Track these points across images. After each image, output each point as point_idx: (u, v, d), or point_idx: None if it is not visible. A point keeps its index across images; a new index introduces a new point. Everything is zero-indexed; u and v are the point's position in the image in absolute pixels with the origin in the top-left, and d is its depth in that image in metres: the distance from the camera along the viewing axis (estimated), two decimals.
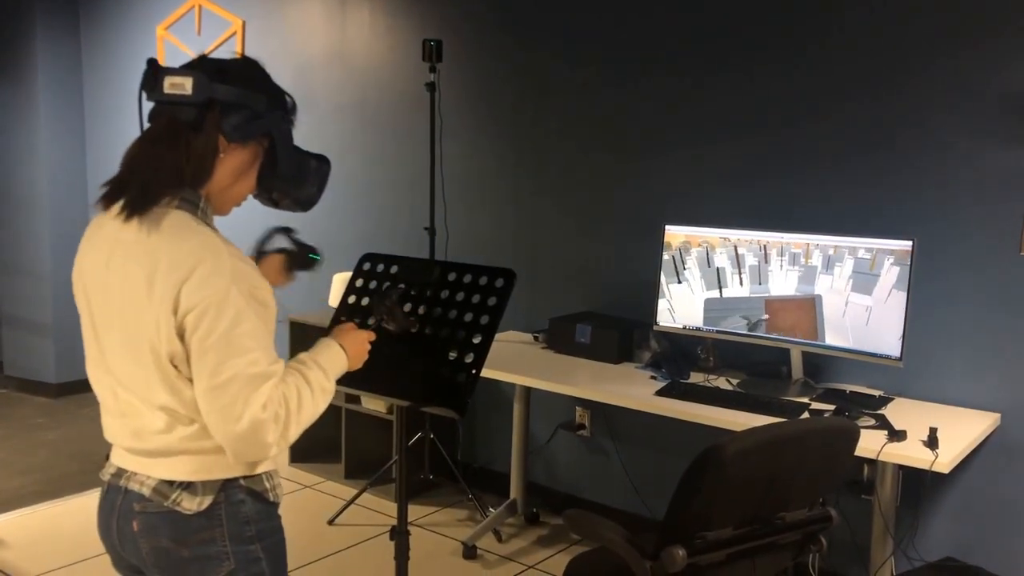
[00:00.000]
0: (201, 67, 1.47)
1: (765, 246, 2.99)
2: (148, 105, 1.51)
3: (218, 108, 1.46)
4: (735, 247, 3.06)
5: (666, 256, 3.21)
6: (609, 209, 3.67)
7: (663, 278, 3.21)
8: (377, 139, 4.43)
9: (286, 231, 1.96)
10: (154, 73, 1.46)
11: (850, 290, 2.81)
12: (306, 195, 1.65)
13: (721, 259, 3.09)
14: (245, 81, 1.51)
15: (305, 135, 4.65)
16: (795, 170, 3.18)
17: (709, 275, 3.12)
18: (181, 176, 1.46)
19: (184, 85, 1.44)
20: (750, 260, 3.03)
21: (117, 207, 1.46)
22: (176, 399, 1.45)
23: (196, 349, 1.39)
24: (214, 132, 1.47)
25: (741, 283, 3.05)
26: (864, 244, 2.80)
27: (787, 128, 3.19)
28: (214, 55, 1.55)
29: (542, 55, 3.80)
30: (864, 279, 2.79)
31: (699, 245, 3.13)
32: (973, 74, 2.81)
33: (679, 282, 3.18)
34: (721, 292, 3.09)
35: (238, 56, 1.57)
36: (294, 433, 1.48)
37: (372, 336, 1.77)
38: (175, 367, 1.43)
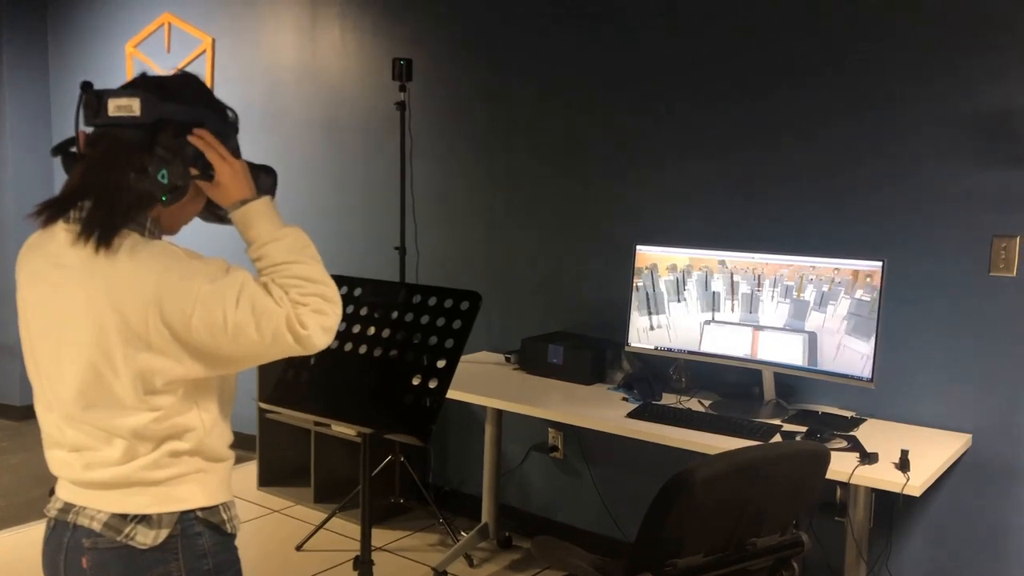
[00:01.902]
0: (146, 87, 1.43)
1: (732, 273, 2.98)
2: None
3: (169, 129, 1.42)
4: (707, 274, 3.04)
5: (640, 282, 3.19)
6: (581, 228, 3.65)
7: (635, 299, 3.20)
8: (347, 157, 4.40)
9: None
10: (96, 96, 1.40)
11: (844, 332, 2.80)
12: None
13: (693, 283, 3.08)
14: (192, 98, 1.46)
15: (274, 152, 4.62)
16: (766, 192, 3.18)
17: (695, 299, 3.11)
18: (140, 201, 1.42)
19: (132, 107, 1.39)
20: (716, 286, 3.01)
21: (70, 234, 1.40)
22: (147, 416, 1.40)
23: (220, 336, 1.38)
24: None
25: (701, 309, 3.03)
26: (833, 264, 2.79)
27: (758, 151, 3.19)
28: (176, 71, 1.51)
29: (513, 74, 3.79)
30: (859, 321, 2.78)
31: (667, 272, 3.12)
32: (943, 97, 2.82)
33: (649, 309, 3.16)
34: (661, 315, 3.07)
35: (176, 72, 1.52)
36: (323, 287, 1.47)
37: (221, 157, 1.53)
38: (154, 384, 1.39)
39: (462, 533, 3.74)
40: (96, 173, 1.41)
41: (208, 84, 4.81)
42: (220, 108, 1.53)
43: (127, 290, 1.36)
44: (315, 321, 1.43)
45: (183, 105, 1.44)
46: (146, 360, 1.37)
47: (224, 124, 1.50)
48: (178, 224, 1.55)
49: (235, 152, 1.53)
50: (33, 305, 1.47)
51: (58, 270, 1.42)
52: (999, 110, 2.73)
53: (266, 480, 4.32)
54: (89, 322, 1.38)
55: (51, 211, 1.43)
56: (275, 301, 1.41)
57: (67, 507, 1.49)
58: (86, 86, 1.42)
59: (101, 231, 1.37)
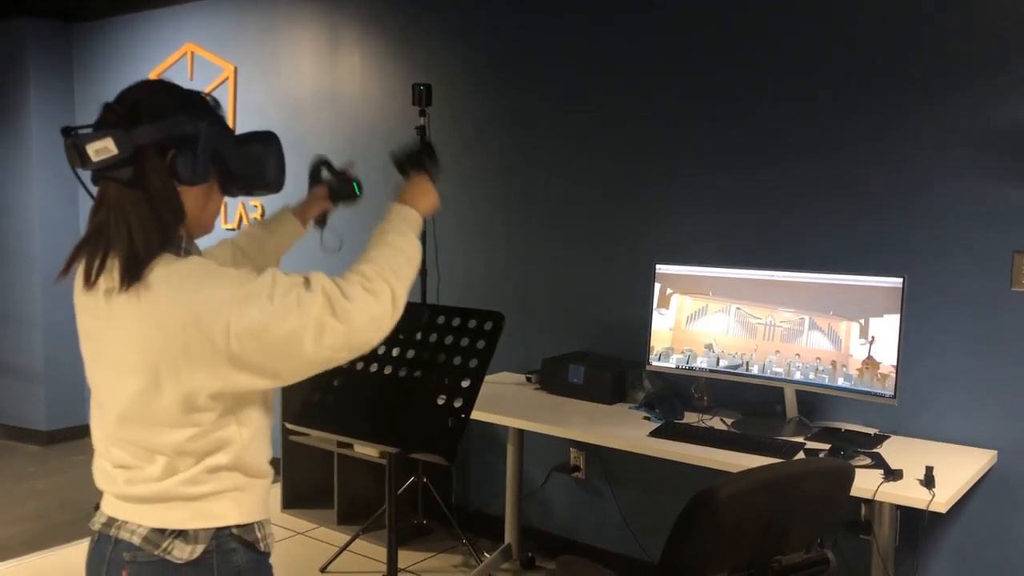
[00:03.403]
0: (114, 120, 1.42)
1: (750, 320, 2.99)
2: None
3: (152, 150, 1.42)
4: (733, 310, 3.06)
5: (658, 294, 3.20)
6: (601, 248, 3.67)
7: (654, 316, 3.21)
8: (368, 182, 4.43)
9: (326, 164, 2.03)
10: (74, 145, 1.41)
11: (866, 349, 2.81)
12: (270, 181, 1.62)
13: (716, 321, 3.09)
14: (159, 110, 1.44)
15: (296, 178, 4.66)
16: (786, 210, 3.19)
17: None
18: (165, 229, 1.45)
19: (107, 147, 1.39)
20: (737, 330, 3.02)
21: (103, 281, 1.43)
22: (188, 432, 1.43)
23: (262, 335, 1.38)
24: (163, 174, 1.44)
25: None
26: (855, 282, 2.79)
27: (777, 169, 3.20)
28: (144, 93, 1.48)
29: (531, 97, 3.83)
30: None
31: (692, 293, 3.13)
32: (962, 113, 2.83)
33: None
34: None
35: (137, 84, 1.50)
36: (393, 281, 1.53)
37: (427, 180, 1.80)
38: (197, 401, 1.41)
39: (485, 554, 3.75)
40: (105, 219, 1.44)
41: (230, 111, 4.93)
42: (193, 102, 1.50)
43: (167, 312, 1.38)
44: (363, 298, 1.45)
45: (155, 122, 1.42)
46: (188, 378, 1.40)
47: (199, 120, 1.47)
48: (209, 222, 1.57)
49: (225, 136, 1.52)
50: (86, 331, 1.51)
51: (104, 297, 1.45)
52: (1018, 125, 2.73)
53: (290, 502, 4.35)
54: (134, 346, 1.41)
55: (75, 263, 1.48)
56: (311, 287, 1.42)
57: (110, 521, 1.51)
58: (65, 132, 1.42)
59: (127, 278, 1.40)
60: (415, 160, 1.85)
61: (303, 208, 2.05)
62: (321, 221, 2.04)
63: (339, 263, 1.65)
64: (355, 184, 2.02)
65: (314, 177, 2.04)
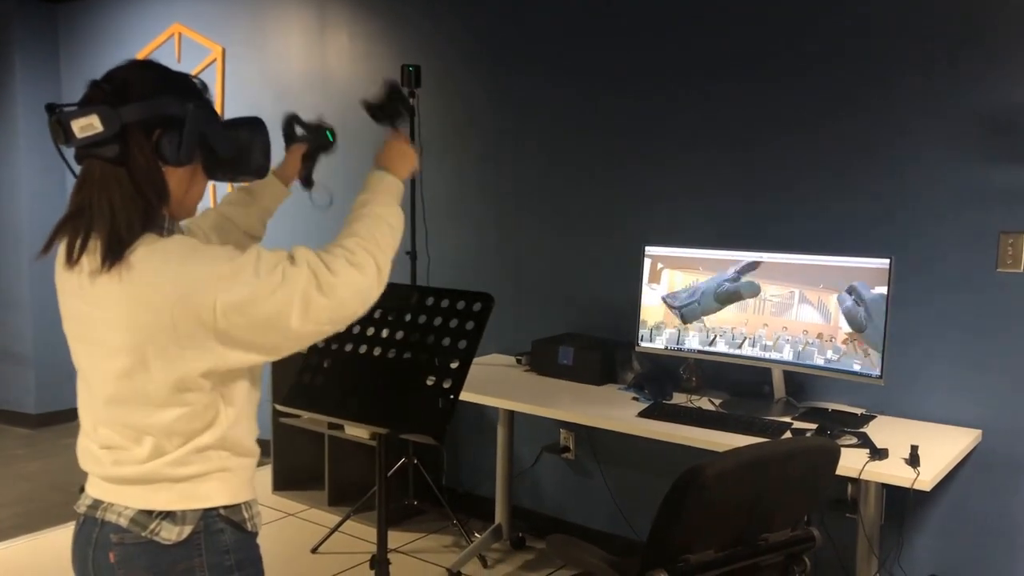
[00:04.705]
0: (100, 97, 1.41)
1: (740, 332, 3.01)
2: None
3: (137, 129, 1.42)
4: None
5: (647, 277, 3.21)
6: (591, 230, 3.68)
7: (643, 298, 3.22)
8: (358, 164, 4.42)
9: (295, 119, 2.04)
10: (59, 121, 1.40)
11: (854, 330, 2.82)
12: (255, 167, 1.62)
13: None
14: (146, 90, 1.44)
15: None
16: (773, 191, 3.20)
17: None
18: (148, 209, 1.44)
19: (92, 124, 1.39)
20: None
21: (86, 261, 1.43)
22: (176, 412, 1.43)
23: (249, 311, 1.38)
24: (148, 153, 1.43)
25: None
26: (841, 263, 2.81)
27: (763, 150, 3.21)
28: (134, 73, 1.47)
29: (521, 78, 3.82)
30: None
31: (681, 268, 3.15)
32: (946, 93, 2.84)
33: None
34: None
35: (125, 63, 1.50)
36: (377, 252, 1.53)
37: (404, 140, 1.80)
38: (186, 380, 1.41)
39: (475, 534, 3.77)
40: (87, 197, 1.43)
41: (218, 93, 4.90)
42: (181, 84, 1.50)
43: (153, 291, 1.38)
44: (347, 272, 1.46)
45: (142, 102, 1.42)
46: (178, 357, 1.39)
47: (186, 102, 1.47)
48: (192, 204, 1.57)
49: (212, 120, 1.52)
50: (69, 312, 1.50)
51: (89, 279, 1.44)
52: (1005, 105, 2.74)
53: (281, 484, 4.36)
54: (120, 326, 1.41)
55: (56, 241, 1.47)
56: (296, 262, 1.42)
57: (96, 503, 1.52)
58: (49, 108, 1.41)
59: (109, 258, 1.39)
60: (387, 110, 1.84)
61: (283, 168, 2.04)
62: (307, 181, 2.04)
63: (329, 227, 1.64)
64: (328, 132, 2.05)
65: (288, 136, 2.04)
